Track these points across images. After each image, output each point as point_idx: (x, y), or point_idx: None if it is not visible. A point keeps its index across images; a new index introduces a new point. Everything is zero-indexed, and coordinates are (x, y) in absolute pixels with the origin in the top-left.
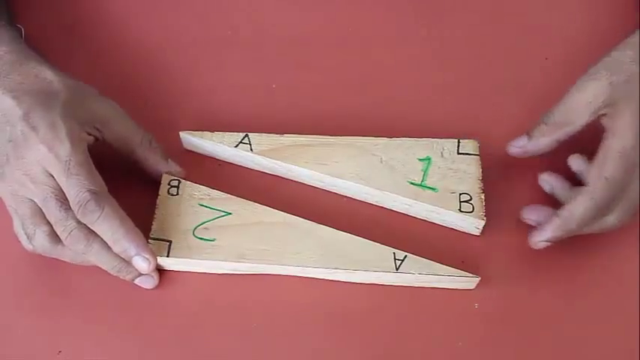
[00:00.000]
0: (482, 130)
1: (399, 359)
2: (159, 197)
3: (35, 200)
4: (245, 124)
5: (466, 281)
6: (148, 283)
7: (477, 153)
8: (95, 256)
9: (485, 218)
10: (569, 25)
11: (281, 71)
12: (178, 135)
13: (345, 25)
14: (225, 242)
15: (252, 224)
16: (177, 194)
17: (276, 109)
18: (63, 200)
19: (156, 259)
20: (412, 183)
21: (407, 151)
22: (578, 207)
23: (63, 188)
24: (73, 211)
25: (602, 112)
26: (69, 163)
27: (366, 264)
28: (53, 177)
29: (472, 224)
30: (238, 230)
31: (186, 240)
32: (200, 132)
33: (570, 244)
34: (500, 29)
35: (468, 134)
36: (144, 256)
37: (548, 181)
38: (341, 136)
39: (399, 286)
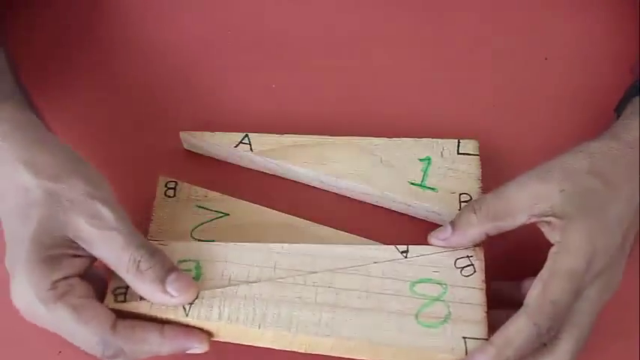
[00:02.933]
0: (482, 130)
1: None
2: (156, 199)
3: None
4: (245, 124)
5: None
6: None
7: (477, 153)
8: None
9: None
10: (569, 25)
11: (281, 71)
12: (178, 135)
13: (346, 25)
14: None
15: (250, 225)
16: (175, 196)
17: (276, 109)
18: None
19: (208, 340)
20: (412, 183)
21: (407, 151)
22: (517, 333)
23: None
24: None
25: (548, 219)
26: (56, 327)
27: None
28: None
29: None
30: (236, 231)
31: (184, 241)
32: (200, 132)
33: None
34: (500, 29)
35: (468, 134)
36: (196, 346)
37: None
38: (341, 136)
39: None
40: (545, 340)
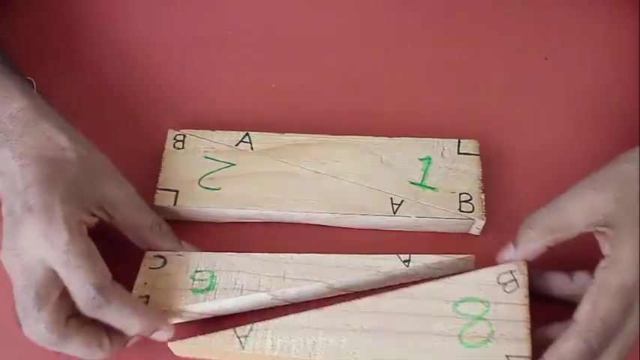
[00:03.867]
0: (483, 129)
1: None
2: (165, 151)
3: (16, 286)
4: (245, 123)
5: (463, 224)
6: (162, 336)
7: (477, 153)
8: (72, 351)
9: (485, 218)
10: (569, 25)
11: (281, 71)
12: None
13: (346, 25)
14: (229, 191)
15: (255, 174)
16: (183, 148)
17: (276, 108)
18: (40, 296)
19: (173, 327)
20: (412, 182)
21: (407, 150)
22: (568, 352)
23: (63, 280)
24: (46, 312)
25: (602, 229)
26: (68, 254)
27: (365, 209)
28: (45, 267)
29: (472, 224)
30: (242, 180)
31: (192, 189)
32: (201, 130)
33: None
34: (501, 29)
35: (469, 134)
36: (162, 330)
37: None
38: (341, 135)
39: (398, 231)
40: (596, 356)
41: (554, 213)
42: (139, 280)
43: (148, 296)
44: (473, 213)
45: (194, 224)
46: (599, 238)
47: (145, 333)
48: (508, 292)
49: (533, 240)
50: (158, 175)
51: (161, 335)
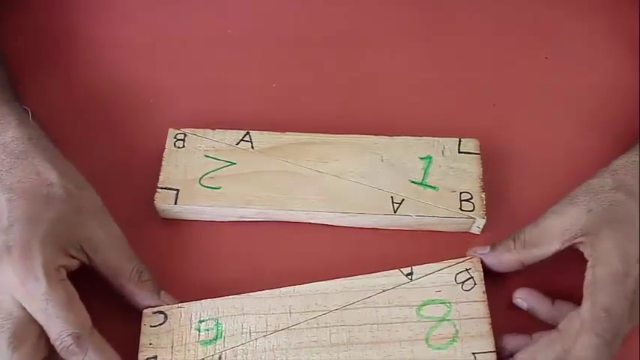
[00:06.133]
0: (483, 129)
1: None
2: (165, 150)
3: None
4: (246, 122)
5: (464, 223)
6: None
7: (478, 152)
8: None
9: (485, 217)
10: (569, 24)
11: (281, 70)
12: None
13: (346, 24)
14: (230, 190)
15: (256, 173)
16: (184, 147)
17: (277, 107)
18: (16, 337)
19: None
20: (413, 182)
21: (408, 149)
22: (587, 351)
23: (42, 324)
24: (20, 353)
25: (579, 240)
26: (47, 303)
27: (366, 208)
28: (24, 309)
29: (473, 223)
30: (243, 179)
31: (193, 188)
32: (202, 129)
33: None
34: (501, 29)
35: (469, 133)
36: None
37: (525, 299)
38: (342, 134)
39: (398, 229)
40: (616, 348)
41: (535, 229)
42: (143, 340)
43: (155, 357)
44: (473, 212)
45: (194, 224)
46: (581, 248)
47: None
48: (466, 291)
49: (510, 251)
50: (158, 175)
51: None
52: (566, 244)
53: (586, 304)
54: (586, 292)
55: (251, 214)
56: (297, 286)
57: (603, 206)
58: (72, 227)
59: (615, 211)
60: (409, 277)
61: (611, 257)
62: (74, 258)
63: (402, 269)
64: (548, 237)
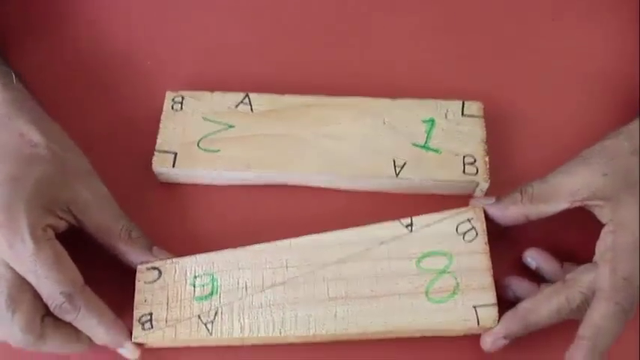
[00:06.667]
0: (487, 92)
1: None
2: (163, 113)
3: None
4: (245, 85)
5: (467, 186)
6: (126, 354)
7: (482, 115)
8: (50, 349)
9: (489, 180)
10: None
11: (281, 31)
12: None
13: None
14: (229, 153)
15: (255, 136)
16: (182, 109)
17: (276, 69)
18: (13, 299)
19: (138, 350)
20: (415, 144)
21: (410, 112)
22: (603, 319)
23: (33, 285)
24: (20, 314)
25: (595, 203)
26: (35, 264)
27: (367, 171)
28: (13, 270)
29: (476, 187)
30: (242, 141)
31: (191, 151)
32: (200, 92)
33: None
34: None
35: (473, 96)
36: (126, 349)
37: (534, 259)
38: (343, 96)
39: (400, 193)
40: (631, 316)
41: (543, 185)
42: (138, 297)
43: (151, 314)
44: (477, 175)
45: (192, 187)
46: (595, 211)
47: (110, 346)
48: (468, 242)
49: (516, 203)
50: (156, 138)
51: (125, 353)
52: (576, 204)
53: (604, 270)
54: (604, 257)
55: (250, 177)
56: (293, 239)
57: (620, 171)
58: (57, 188)
59: (634, 177)
60: (409, 228)
61: (634, 225)
62: (61, 219)
63: (401, 220)
64: (557, 195)
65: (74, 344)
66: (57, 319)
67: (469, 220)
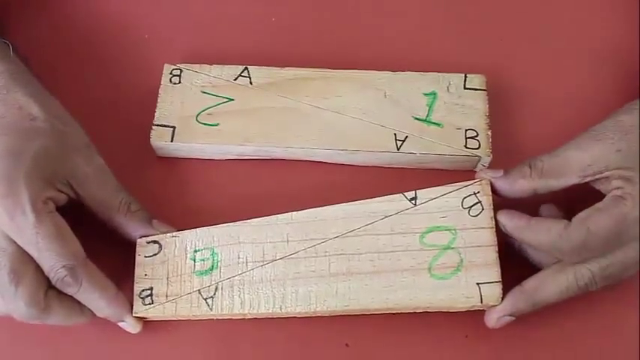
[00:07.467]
0: (490, 65)
1: None
2: (161, 86)
3: None
4: (244, 57)
5: (469, 161)
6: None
7: (484, 88)
8: (54, 322)
9: (491, 155)
10: None
11: (281, 3)
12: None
13: None
14: (228, 127)
15: (255, 109)
16: (180, 83)
17: (276, 41)
18: (16, 272)
19: (139, 323)
20: (417, 118)
21: (412, 85)
22: (559, 281)
23: (34, 258)
24: (23, 287)
25: (603, 175)
26: (37, 237)
27: (368, 145)
28: (15, 243)
29: (478, 161)
30: (241, 115)
31: (190, 125)
32: (198, 65)
33: None
34: None
35: (475, 69)
36: (127, 322)
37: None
38: (343, 69)
39: (402, 168)
40: (589, 290)
41: (553, 159)
42: (138, 271)
43: (151, 288)
44: (479, 150)
45: (191, 162)
46: (602, 184)
47: (111, 319)
48: (473, 216)
49: (525, 177)
50: (154, 112)
51: (126, 326)
52: (587, 179)
53: (585, 213)
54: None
55: (249, 151)
56: (294, 213)
57: (635, 147)
58: (57, 161)
59: None
60: (413, 201)
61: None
62: (61, 192)
63: (405, 193)
64: (568, 169)
65: (78, 317)
66: (60, 292)
67: (475, 194)
